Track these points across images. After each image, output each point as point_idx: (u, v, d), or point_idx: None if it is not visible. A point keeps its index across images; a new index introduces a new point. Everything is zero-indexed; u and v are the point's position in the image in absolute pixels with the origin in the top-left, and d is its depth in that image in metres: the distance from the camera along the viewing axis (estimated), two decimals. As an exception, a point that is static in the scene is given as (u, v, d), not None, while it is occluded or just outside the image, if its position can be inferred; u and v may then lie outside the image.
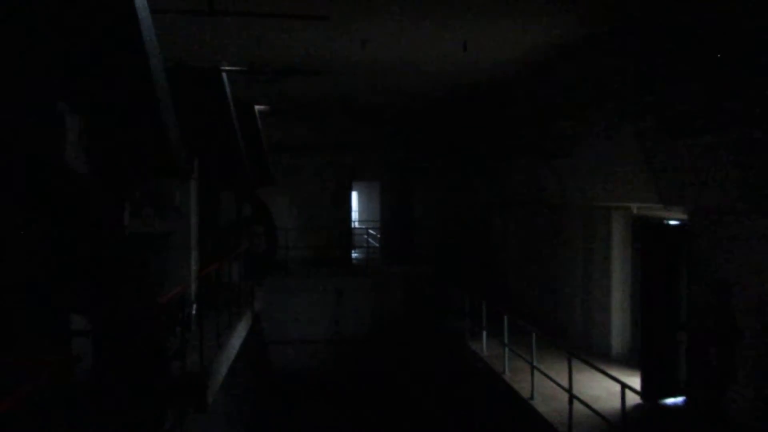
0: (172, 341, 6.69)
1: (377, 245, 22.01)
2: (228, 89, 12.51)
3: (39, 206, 4.41)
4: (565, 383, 8.40)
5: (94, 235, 4.46)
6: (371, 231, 23.39)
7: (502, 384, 10.55)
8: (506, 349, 10.88)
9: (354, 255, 21.62)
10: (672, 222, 9.76)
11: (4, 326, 4.12)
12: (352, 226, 22.71)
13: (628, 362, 11.01)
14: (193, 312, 9.17)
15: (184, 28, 9.29)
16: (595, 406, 8.02)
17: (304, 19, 8.68)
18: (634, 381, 9.10)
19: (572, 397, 8.10)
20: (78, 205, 4.52)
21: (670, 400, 9.09)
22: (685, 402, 8.92)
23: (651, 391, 9.06)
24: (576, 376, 8.54)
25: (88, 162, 5.59)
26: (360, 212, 28.80)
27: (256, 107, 16.67)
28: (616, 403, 7.93)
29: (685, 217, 8.97)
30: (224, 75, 12.33)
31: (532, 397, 9.39)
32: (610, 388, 9.08)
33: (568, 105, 11.65)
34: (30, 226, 4.22)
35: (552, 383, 9.10)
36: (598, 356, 11.01)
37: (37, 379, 2.89)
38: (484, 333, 12.24)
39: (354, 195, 24.94)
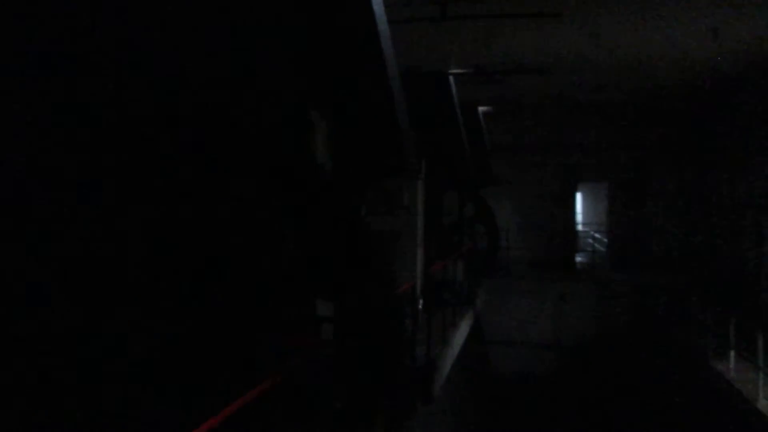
0: (403, 334, 7.03)
1: (603, 249, 20.84)
2: (454, 91, 12.81)
3: (294, 204, 4.89)
4: (839, 420, 7.14)
5: (339, 230, 4.84)
6: (596, 235, 22.22)
7: (755, 413, 9.30)
8: (761, 373, 9.57)
9: (577, 259, 20.73)
10: None
11: (266, 310, 4.65)
12: (577, 228, 21.83)
13: None
14: (420, 307, 9.54)
15: (416, 35, 9.72)
16: None
17: (536, 18, 8.54)
18: None
19: None
20: (326, 202, 4.93)
21: None
22: None
23: None
24: None
25: (333, 162, 6.14)
26: (584, 214, 27.59)
27: (480, 108, 16.83)
28: None
29: None
30: (451, 78, 12.66)
31: (793, 432, 8.15)
32: None
33: None
34: (287, 221, 4.74)
35: (821, 418, 7.80)
36: None
37: (303, 355, 3.25)
38: (732, 353, 10.91)
39: (578, 196, 23.94)
